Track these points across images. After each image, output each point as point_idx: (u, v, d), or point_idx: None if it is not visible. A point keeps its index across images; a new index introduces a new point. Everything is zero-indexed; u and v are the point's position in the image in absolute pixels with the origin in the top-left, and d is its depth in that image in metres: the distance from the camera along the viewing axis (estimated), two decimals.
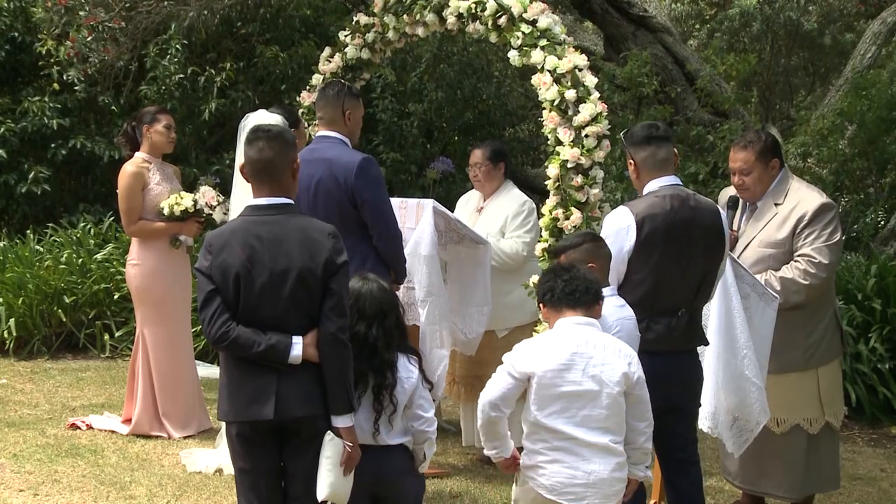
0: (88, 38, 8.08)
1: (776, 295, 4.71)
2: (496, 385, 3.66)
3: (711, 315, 4.52)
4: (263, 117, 5.35)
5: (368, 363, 3.74)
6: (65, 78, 9.18)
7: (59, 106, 9.64)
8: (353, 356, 3.64)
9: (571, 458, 3.59)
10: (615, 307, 3.98)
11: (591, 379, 3.62)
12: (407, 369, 3.83)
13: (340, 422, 3.54)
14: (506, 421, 3.69)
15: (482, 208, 6.16)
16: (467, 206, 6.30)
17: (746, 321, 4.57)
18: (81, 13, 8.00)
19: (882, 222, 9.43)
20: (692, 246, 4.26)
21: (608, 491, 3.63)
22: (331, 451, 3.50)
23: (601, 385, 3.62)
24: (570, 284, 3.74)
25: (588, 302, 3.75)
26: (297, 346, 3.49)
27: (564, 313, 3.75)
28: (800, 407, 4.93)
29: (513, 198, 6.06)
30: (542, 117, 5.74)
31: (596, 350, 3.66)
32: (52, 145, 9.62)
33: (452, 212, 5.80)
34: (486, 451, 3.75)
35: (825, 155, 9.12)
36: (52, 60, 9.17)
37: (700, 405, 4.45)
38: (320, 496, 3.52)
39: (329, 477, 3.50)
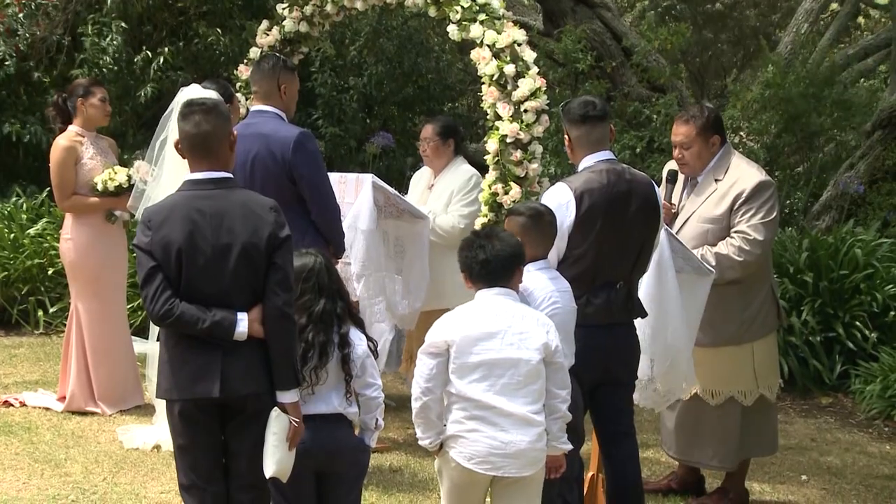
0: (20, 14, 7.90)
1: (711, 269, 4.78)
2: (420, 370, 3.68)
3: (644, 287, 4.58)
4: (197, 92, 5.28)
5: (333, 335, 3.77)
6: None
7: None
8: (316, 331, 3.70)
9: (490, 428, 3.62)
10: (548, 280, 4.01)
11: (511, 347, 3.65)
12: (358, 337, 3.85)
13: (286, 397, 3.52)
14: (439, 405, 3.70)
15: (433, 185, 6.16)
16: (419, 183, 6.30)
17: (679, 294, 4.64)
18: None
19: (810, 199, 9.56)
20: (630, 219, 4.31)
21: (524, 461, 3.67)
22: (277, 428, 3.49)
23: (520, 353, 3.65)
24: (486, 265, 3.75)
25: (505, 276, 3.78)
26: (243, 323, 3.46)
27: (482, 286, 3.78)
28: (734, 380, 5.02)
29: (461, 173, 6.06)
30: (481, 92, 5.75)
31: (514, 319, 3.69)
32: None
33: (392, 187, 5.79)
34: (421, 442, 3.76)
35: (754, 128, 9.22)
36: None
37: (637, 378, 4.51)
38: (268, 473, 3.51)
39: (276, 454, 3.49)
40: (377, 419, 3.92)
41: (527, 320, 3.71)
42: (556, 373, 3.74)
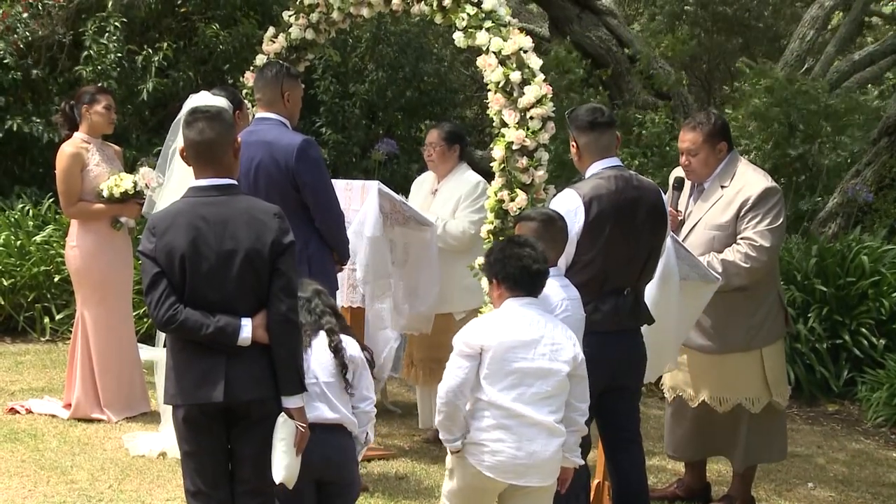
0: (24, 15, 7.90)
1: (718, 276, 4.78)
2: (453, 372, 3.66)
3: (646, 291, 4.56)
4: (207, 99, 5.29)
5: (331, 349, 3.78)
6: None
7: None
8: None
9: (515, 438, 3.61)
10: (559, 287, 4.00)
11: (543, 357, 3.64)
12: (354, 347, 3.86)
13: (291, 402, 3.52)
14: (464, 407, 3.69)
15: (436, 190, 6.15)
16: (422, 189, 6.29)
17: (679, 302, 4.64)
18: None
19: (817, 202, 9.54)
20: (638, 225, 4.31)
21: (547, 471, 3.67)
22: (285, 433, 3.49)
23: (552, 364, 3.65)
24: (527, 273, 3.71)
25: (543, 286, 3.77)
26: (247, 328, 3.47)
27: (519, 293, 3.76)
28: (742, 387, 5.02)
29: (466, 179, 6.06)
30: (487, 99, 5.76)
31: (547, 329, 3.69)
32: None
33: (398, 193, 5.79)
34: (447, 443, 3.73)
35: (748, 133, 9.20)
36: None
37: (643, 384, 4.50)
38: (277, 479, 3.51)
39: (285, 459, 3.49)
40: (367, 433, 3.92)
41: (558, 332, 3.71)
42: (578, 385, 3.74)
